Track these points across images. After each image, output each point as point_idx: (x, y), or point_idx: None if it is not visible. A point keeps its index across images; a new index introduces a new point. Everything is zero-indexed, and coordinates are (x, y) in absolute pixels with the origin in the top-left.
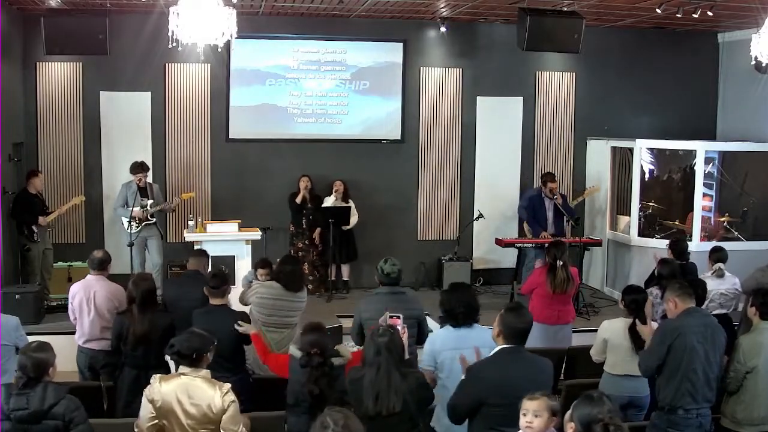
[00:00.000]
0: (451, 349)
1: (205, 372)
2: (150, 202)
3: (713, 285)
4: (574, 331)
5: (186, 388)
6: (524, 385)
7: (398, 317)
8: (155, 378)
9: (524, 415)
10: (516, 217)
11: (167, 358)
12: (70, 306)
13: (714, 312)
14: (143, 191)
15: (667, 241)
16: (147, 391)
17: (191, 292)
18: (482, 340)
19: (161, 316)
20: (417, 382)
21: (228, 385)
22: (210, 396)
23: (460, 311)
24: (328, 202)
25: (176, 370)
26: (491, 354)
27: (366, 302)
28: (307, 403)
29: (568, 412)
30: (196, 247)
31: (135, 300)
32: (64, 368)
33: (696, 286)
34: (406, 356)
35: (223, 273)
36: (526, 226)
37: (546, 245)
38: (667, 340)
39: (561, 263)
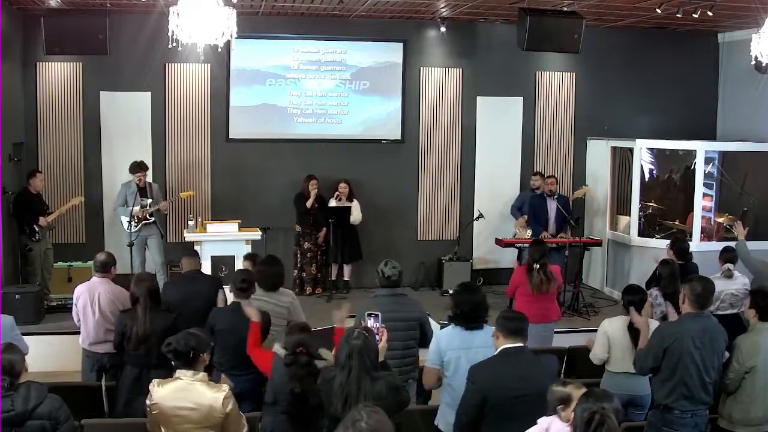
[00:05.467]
0: (456, 349)
1: (203, 375)
2: (149, 201)
3: (723, 286)
4: (575, 331)
5: (184, 392)
6: (523, 385)
7: (376, 315)
8: (153, 384)
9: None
10: None
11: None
12: (74, 308)
13: (725, 312)
14: (143, 191)
15: (667, 241)
16: (148, 399)
17: (197, 291)
18: (489, 339)
19: (163, 315)
20: (388, 386)
21: (227, 386)
22: (211, 398)
23: (469, 313)
24: (333, 203)
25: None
26: (494, 355)
27: (366, 304)
28: (286, 402)
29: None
30: (195, 247)
31: (138, 299)
32: (65, 368)
33: None
34: (381, 359)
35: (251, 274)
36: (515, 225)
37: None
38: (664, 343)
39: (537, 266)
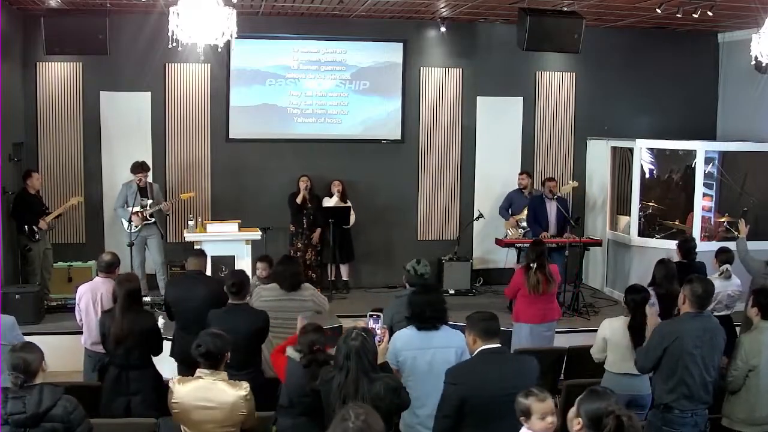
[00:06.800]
0: (413, 350)
1: (223, 373)
2: (150, 202)
3: (721, 287)
4: (575, 331)
5: (206, 391)
6: (506, 384)
7: (378, 316)
8: (173, 382)
9: (542, 418)
10: None
11: (154, 358)
12: (76, 308)
13: (720, 313)
14: (143, 191)
15: (669, 241)
16: (169, 397)
17: (195, 291)
18: (447, 340)
19: (144, 316)
20: (386, 387)
21: (247, 384)
22: (232, 396)
23: (424, 313)
24: (330, 202)
25: (180, 371)
26: (472, 356)
27: (397, 304)
28: (305, 404)
29: (573, 409)
30: (196, 247)
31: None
32: (65, 368)
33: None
34: (381, 360)
35: (245, 276)
36: (505, 227)
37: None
38: (664, 343)
39: (534, 266)
